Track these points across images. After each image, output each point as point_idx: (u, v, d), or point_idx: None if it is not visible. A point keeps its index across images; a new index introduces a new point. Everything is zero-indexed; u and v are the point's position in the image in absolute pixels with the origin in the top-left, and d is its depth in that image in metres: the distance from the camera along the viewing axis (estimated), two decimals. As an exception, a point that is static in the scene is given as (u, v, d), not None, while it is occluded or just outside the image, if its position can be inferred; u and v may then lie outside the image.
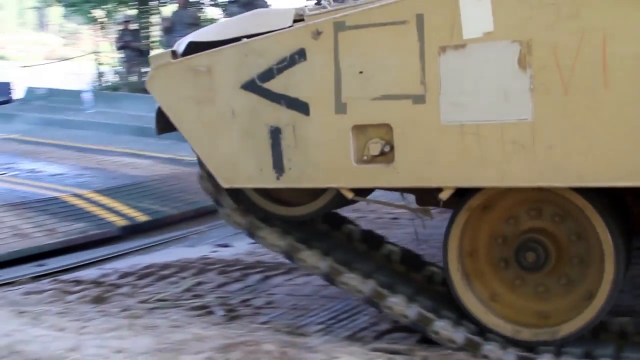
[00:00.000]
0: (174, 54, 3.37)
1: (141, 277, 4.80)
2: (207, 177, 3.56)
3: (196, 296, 4.32)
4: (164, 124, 3.52)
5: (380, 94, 2.93)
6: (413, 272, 3.57)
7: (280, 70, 3.11)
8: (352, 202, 3.31)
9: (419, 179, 2.96)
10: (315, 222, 3.69)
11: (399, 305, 3.19)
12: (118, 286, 4.64)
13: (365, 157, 3.02)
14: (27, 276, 5.15)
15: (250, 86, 3.19)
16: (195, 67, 3.30)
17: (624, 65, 2.52)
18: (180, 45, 3.38)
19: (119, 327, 3.38)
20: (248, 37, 3.19)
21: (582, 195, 2.85)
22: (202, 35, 3.39)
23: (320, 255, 3.43)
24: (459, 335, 3.09)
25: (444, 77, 2.80)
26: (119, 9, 17.19)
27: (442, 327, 3.11)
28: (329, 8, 3.07)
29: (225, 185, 3.39)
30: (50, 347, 2.88)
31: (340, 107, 3.01)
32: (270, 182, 3.26)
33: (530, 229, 3.12)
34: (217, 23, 3.83)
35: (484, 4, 2.70)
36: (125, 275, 4.88)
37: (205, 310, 4.04)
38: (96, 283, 4.70)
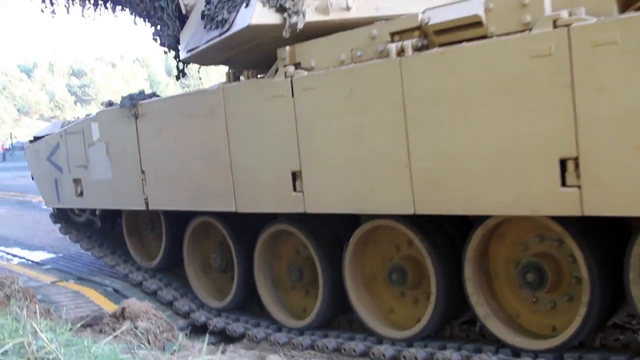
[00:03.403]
0: (31, 141, 7.07)
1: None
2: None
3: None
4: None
5: (77, 164, 6.29)
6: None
7: (54, 152, 6.63)
8: (104, 217, 6.67)
9: (94, 204, 6.26)
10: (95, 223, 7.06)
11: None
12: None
13: (77, 194, 6.38)
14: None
15: (49, 158, 6.74)
16: (35, 149, 6.96)
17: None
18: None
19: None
20: (48, 135, 6.77)
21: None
22: (39, 132, 7.05)
23: (87, 239, 6.86)
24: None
25: (90, 158, 6.07)
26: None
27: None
28: (78, 121, 6.51)
29: (47, 206, 7.00)
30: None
31: (69, 171, 6.42)
32: (56, 204, 6.78)
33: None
34: (47, 126, 7.49)
35: (95, 127, 5.94)
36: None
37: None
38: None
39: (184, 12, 5.64)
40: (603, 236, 3.37)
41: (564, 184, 3.01)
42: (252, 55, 4.87)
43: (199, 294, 5.67)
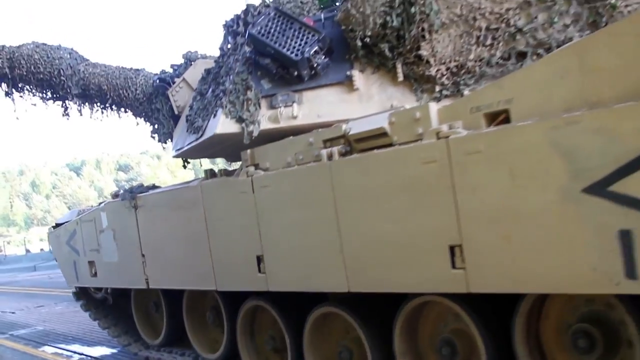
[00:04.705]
0: (53, 227, 7.98)
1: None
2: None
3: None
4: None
5: (90, 248, 7.13)
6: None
7: (72, 237, 7.50)
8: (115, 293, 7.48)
9: (105, 283, 7.06)
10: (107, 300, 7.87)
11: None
12: None
13: (92, 274, 7.20)
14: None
15: (68, 243, 7.62)
16: (56, 235, 7.86)
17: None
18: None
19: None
20: (67, 222, 7.67)
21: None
22: (59, 219, 7.96)
23: (104, 315, 7.66)
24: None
25: (101, 242, 6.91)
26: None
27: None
28: (90, 210, 7.40)
29: (69, 284, 7.85)
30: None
31: (85, 254, 7.27)
32: (76, 283, 7.62)
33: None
34: (67, 214, 8.27)
35: (104, 216, 6.79)
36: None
37: None
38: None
39: (176, 112, 6.54)
40: (498, 312, 3.96)
41: (453, 266, 3.65)
42: (226, 152, 5.69)
43: (196, 347, 6.43)
